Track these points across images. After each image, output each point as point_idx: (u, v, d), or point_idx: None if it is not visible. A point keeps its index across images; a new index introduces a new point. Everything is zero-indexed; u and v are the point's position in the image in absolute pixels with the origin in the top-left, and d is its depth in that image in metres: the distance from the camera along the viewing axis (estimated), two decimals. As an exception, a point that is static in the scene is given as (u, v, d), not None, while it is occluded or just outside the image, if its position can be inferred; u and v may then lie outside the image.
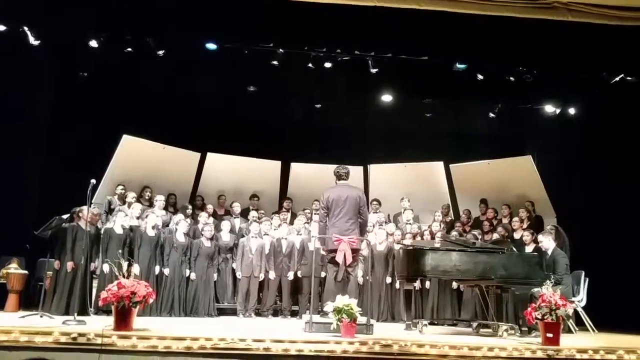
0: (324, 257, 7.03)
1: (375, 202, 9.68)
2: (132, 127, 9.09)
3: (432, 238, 8.65)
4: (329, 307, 5.45)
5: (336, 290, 6.09)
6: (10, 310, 7.25)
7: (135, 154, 9.05)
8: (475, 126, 10.59)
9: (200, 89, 9.58)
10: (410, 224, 9.35)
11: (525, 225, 8.68)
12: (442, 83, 9.02)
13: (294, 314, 8.54)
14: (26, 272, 7.69)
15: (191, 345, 4.80)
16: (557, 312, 5.34)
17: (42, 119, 9.07)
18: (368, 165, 10.32)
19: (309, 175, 9.90)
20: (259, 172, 10.04)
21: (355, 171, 8.59)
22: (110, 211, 8.57)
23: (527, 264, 6.59)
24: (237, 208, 9.44)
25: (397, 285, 8.51)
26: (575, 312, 6.98)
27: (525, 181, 9.55)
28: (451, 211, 9.95)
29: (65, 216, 7.26)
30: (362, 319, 5.54)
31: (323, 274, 7.87)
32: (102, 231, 7.69)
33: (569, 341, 5.57)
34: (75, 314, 5.82)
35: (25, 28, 7.77)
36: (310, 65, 8.56)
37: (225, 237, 8.73)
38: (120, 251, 7.19)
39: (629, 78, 8.41)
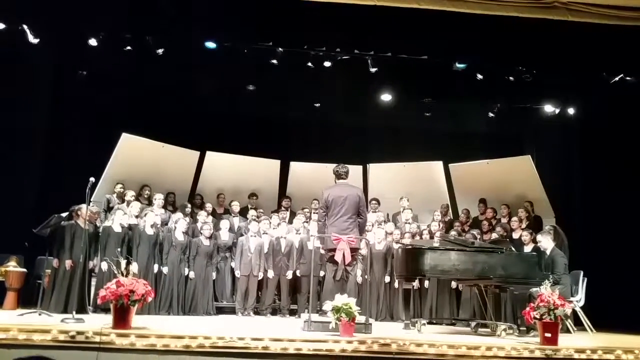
0: (323, 256, 7.02)
1: (374, 202, 9.68)
2: (131, 125, 9.08)
3: (431, 237, 8.64)
4: (327, 306, 5.45)
5: (335, 290, 6.09)
6: (8, 308, 7.24)
7: (134, 153, 9.03)
8: (474, 126, 10.58)
9: (200, 87, 9.55)
10: (409, 223, 9.35)
11: (524, 225, 8.68)
12: (441, 83, 9.03)
13: (292, 312, 8.55)
14: (25, 270, 7.67)
15: (190, 344, 4.79)
16: (556, 312, 5.34)
17: (41, 117, 9.04)
18: (367, 165, 10.31)
19: (308, 174, 9.90)
20: (258, 170, 10.04)
21: (355, 170, 8.59)
22: (109, 209, 8.57)
23: (526, 264, 6.57)
24: (236, 207, 9.44)
25: (396, 285, 8.53)
26: (574, 312, 6.98)
27: (524, 181, 9.54)
28: (450, 211, 9.94)
29: (64, 214, 7.25)
30: (360, 318, 5.54)
31: (322, 273, 7.85)
32: (100, 229, 7.67)
33: (567, 341, 5.57)
34: (74, 312, 5.79)
35: (25, 26, 7.76)
36: (309, 64, 8.56)
37: (224, 235, 8.72)
38: (119, 249, 7.20)
39: (628, 78, 8.41)
